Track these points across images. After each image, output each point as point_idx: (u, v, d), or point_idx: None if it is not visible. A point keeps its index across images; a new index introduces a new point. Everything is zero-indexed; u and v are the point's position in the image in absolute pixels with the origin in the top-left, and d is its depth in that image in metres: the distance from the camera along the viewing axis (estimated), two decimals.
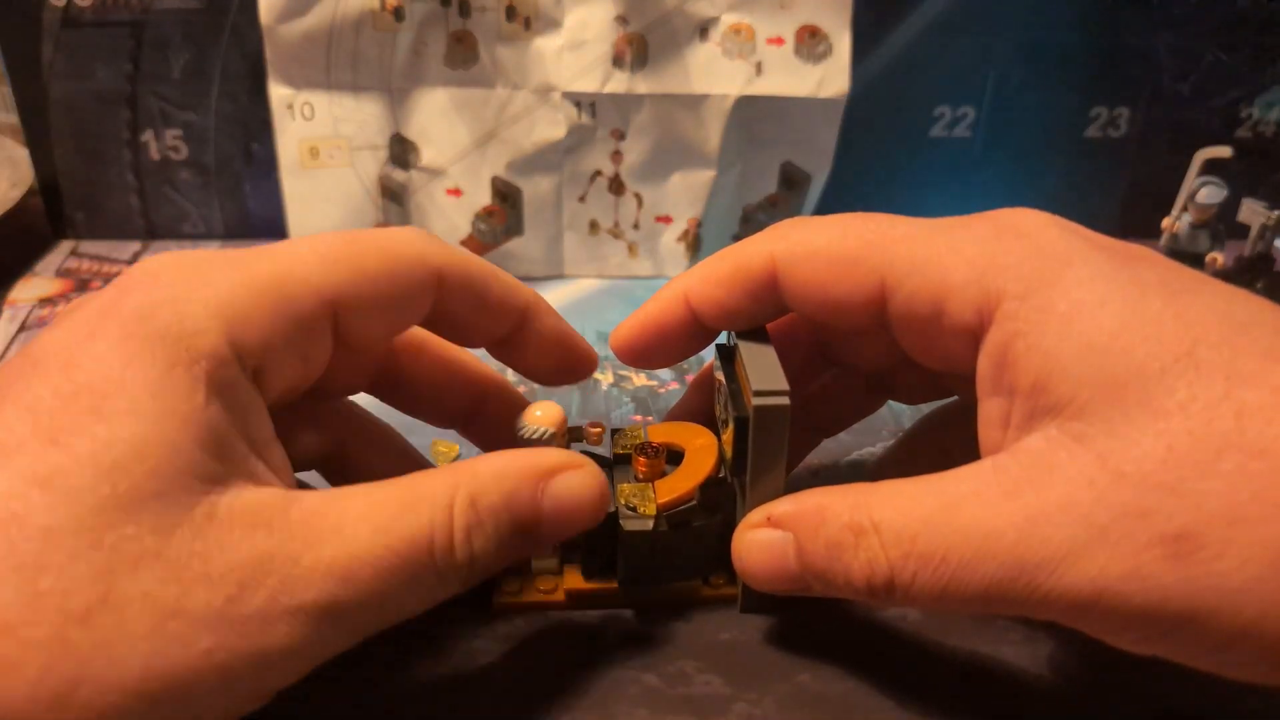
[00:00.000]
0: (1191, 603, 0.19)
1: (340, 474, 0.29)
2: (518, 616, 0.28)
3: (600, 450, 0.29)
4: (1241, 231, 0.41)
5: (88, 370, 0.20)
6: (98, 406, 0.19)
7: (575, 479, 0.24)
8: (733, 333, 0.27)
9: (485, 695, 0.25)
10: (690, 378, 0.41)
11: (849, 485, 0.24)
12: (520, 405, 0.28)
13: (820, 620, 0.27)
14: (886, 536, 0.22)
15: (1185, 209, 0.43)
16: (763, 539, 0.25)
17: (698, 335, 0.28)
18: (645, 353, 0.28)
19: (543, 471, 0.23)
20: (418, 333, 0.28)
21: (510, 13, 0.45)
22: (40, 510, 0.18)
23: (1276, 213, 0.40)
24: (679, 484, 0.27)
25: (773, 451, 0.25)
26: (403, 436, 0.30)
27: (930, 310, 0.24)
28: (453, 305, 0.26)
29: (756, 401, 0.25)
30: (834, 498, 0.24)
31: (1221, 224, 0.43)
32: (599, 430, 0.29)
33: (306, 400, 0.26)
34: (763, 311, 0.27)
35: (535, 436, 0.27)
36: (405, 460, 0.30)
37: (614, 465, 0.29)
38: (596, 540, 0.27)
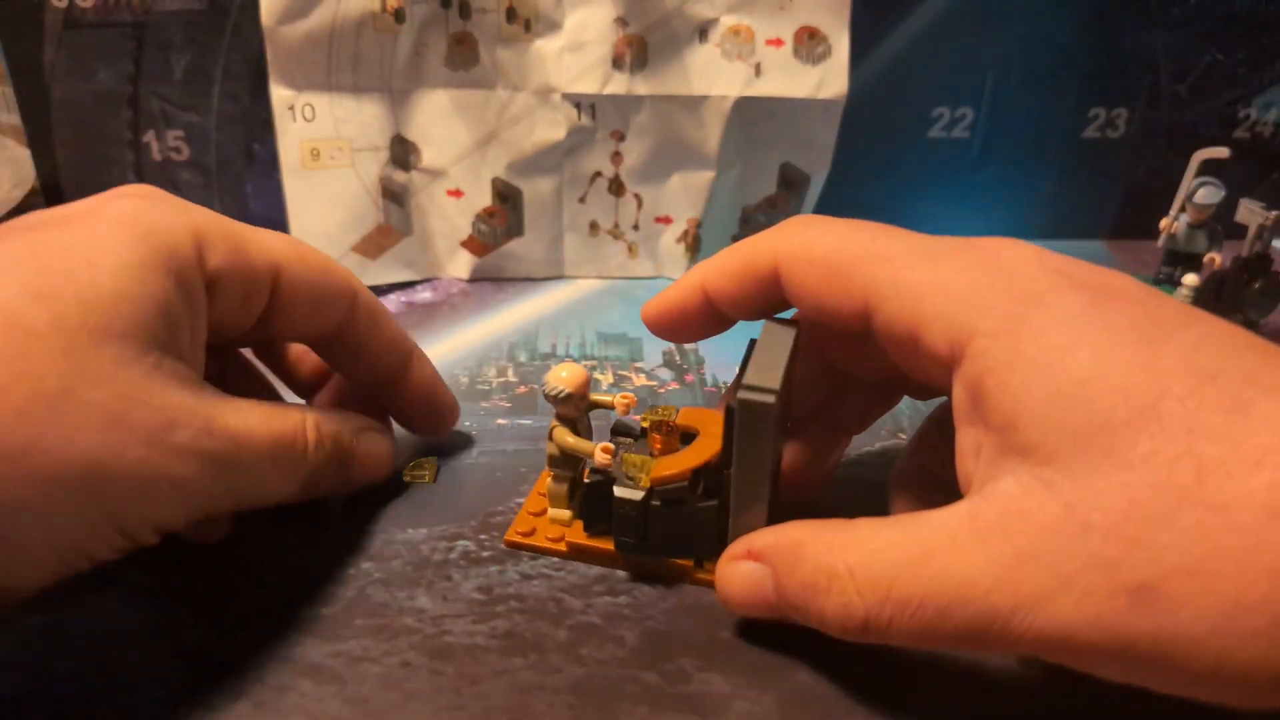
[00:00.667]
0: (1153, 649, 0.20)
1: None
2: (518, 614, 0.28)
3: (628, 421, 0.31)
4: (1239, 232, 0.42)
5: (82, 235, 0.24)
6: (90, 260, 0.24)
7: (375, 438, 0.32)
8: (764, 321, 0.28)
9: (485, 692, 0.26)
10: (690, 378, 0.42)
11: (827, 522, 0.25)
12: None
13: None
14: (862, 582, 0.23)
15: (1183, 209, 0.43)
16: (743, 571, 0.26)
17: (716, 320, 0.29)
18: (669, 331, 0.30)
19: (356, 425, 0.31)
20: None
21: (510, 14, 0.46)
22: (30, 314, 0.22)
23: (1274, 213, 0.40)
24: (677, 463, 0.28)
25: (757, 446, 0.26)
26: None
27: (906, 334, 0.24)
28: (359, 326, 0.31)
29: (741, 395, 0.25)
30: (810, 535, 0.25)
31: (1219, 224, 0.43)
32: (627, 401, 0.30)
33: None
34: (771, 304, 0.28)
35: (553, 394, 0.30)
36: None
37: (638, 437, 0.30)
38: (595, 499, 0.29)
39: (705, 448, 0.29)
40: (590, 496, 0.30)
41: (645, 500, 0.28)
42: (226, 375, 0.33)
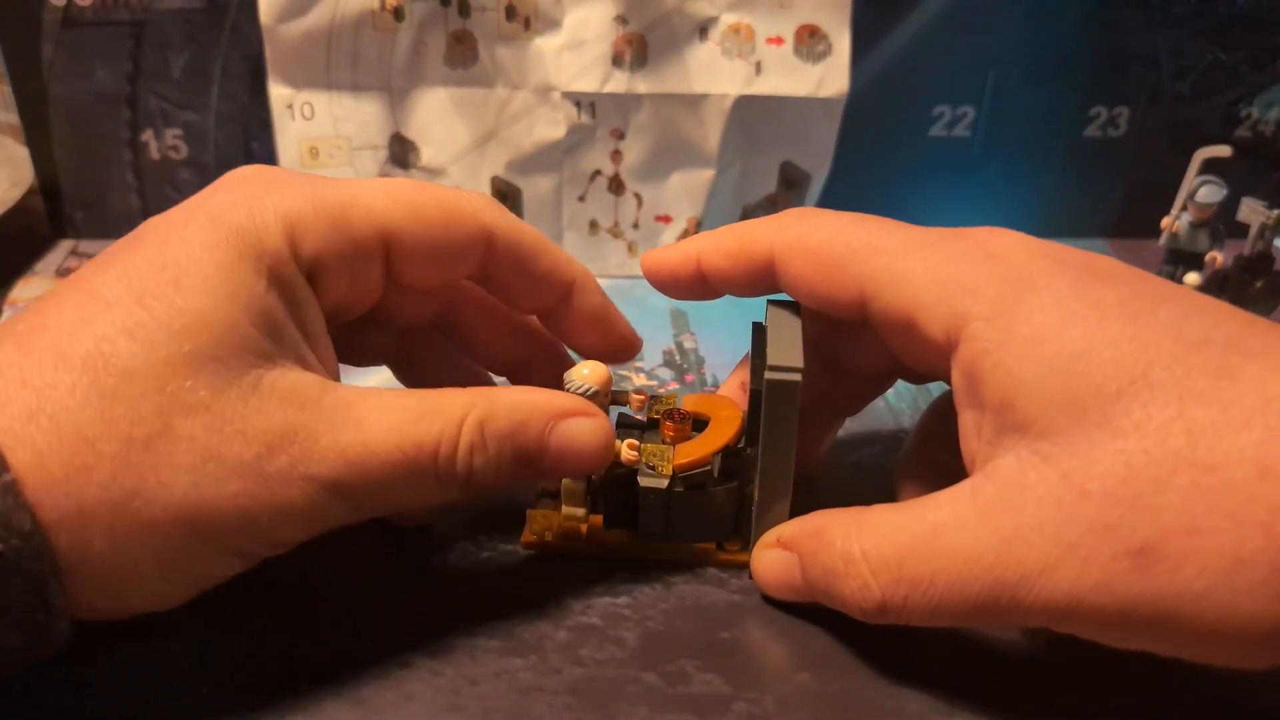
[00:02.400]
0: (1158, 610, 0.21)
1: (408, 374, 0.33)
2: (517, 614, 0.28)
3: (640, 416, 0.31)
4: (1241, 230, 0.41)
5: (175, 249, 0.23)
6: (178, 280, 0.23)
7: (584, 425, 0.27)
8: (767, 303, 0.29)
9: (484, 693, 0.25)
10: (690, 377, 0.42)
11: (846, 510, 0.26)
12: (567, 365, 0.31)
13: (820, 619, 0.27)
14: (875, 564, 0.24)
15: (1185, 208, 0.43)
16: (773, 558, 0.28)
17: (707, 290, 0.30)
18: (661, 287, 0.31)
19: (555, 412, 0.26)
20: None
21: (510, 12, 0.45)
22: (124, 354, 0.22)
23: (1276, 212, 0.40)
24: (697, 449, 0.29)
25: (784, 424, 0.27)
26: (473, 363, 0.33)
27: (903, 322, 0.25)
28: (501, 268, 0.29)
29: (769, 376, 0.26)
30: (832, 521, 0.26)
31: (1221, 223, 0.43)
32: (641, 398, 0.30)
33: (373, 319, 0.29)
34: (763, 288, 0.29)
35: (580, 392, 0.29)
36: (465, 374, 0.33)
37: (646, 428, 0.30)
38: (617, 493, 0.29)
39: (722, 431, 0.29)
40: (612, 491, 0.30)
41: (669, 487, 0.28)
42: (414, 358, 0.32)
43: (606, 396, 0.30)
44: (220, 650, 0.27)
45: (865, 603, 0.24)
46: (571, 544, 0.30)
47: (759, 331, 0.30)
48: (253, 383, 0.23)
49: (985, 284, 0.24)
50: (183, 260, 0.23)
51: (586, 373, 0.29)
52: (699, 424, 0.30)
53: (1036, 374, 0.22)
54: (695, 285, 0.30)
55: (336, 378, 0.26)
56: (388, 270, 0.27)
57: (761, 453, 0.27)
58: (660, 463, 0.28)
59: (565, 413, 0.26)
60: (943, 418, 0.30)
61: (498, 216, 0.28)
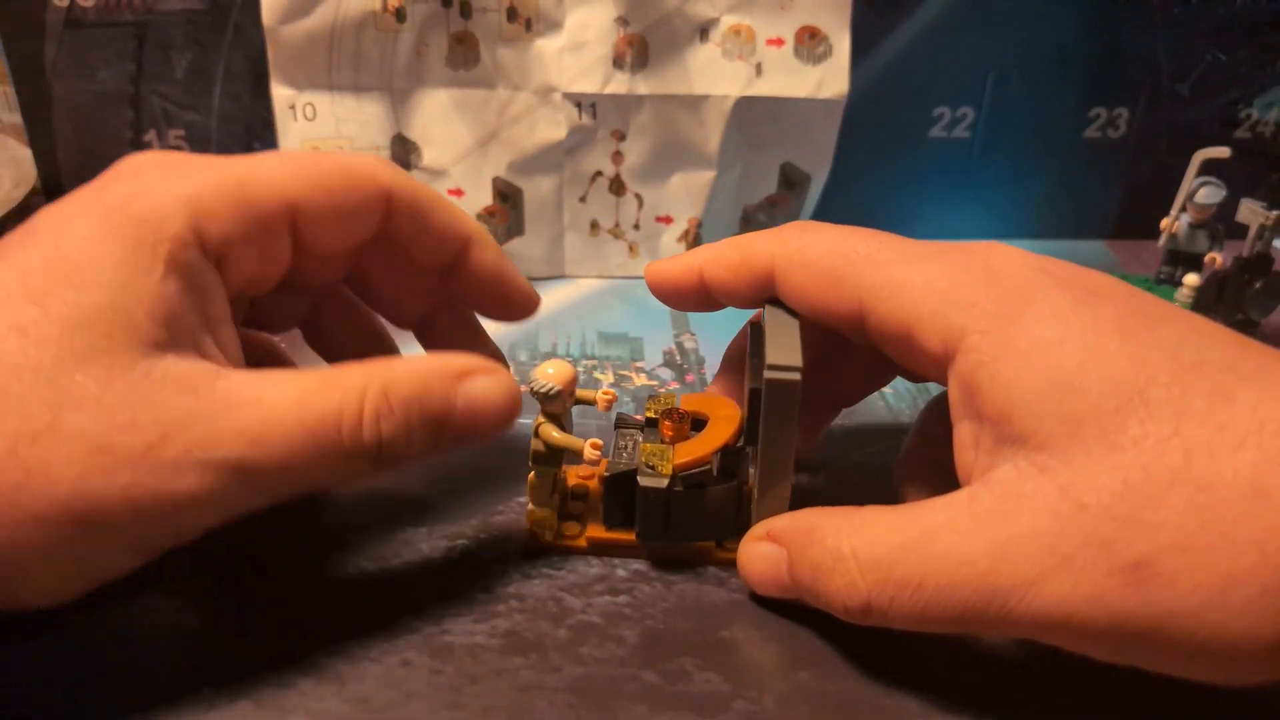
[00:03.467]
0: (1149, 625, 0.21)
1: (318, 341, 0.34)
2: (518, 613, 0.28)
3: (626, 415, 0.31)
4: (1240, 231, 0.41)
5: (70, 243, 0.23)
6: (71, 275, 0.23)
7: (487, 381, 0.26)
8: (764, 305, 0.29)
9: (485, 691, 0.26)
10: (690, 378, 0.42)
11: (840, 508, 0.26)
12: (471, 326, 0.33)
13: (820, 618, 0.27)
14: (864, 563, 0.24)
15: (1184, 209, 0.43)
16: (761, 551, 0.28)
17: (708, 301, 0.30)
18: (664, 298, 0.31)
19: (456, 372, 0.26)
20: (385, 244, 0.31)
21: (511, 14, 0.46)
22: (14, 351, 0.22)
23: (1275, 213, 0.40)
24: (697, 448, 0.29)
25: (783, 423, 0.27)
26: (380, 321, 0.35)
27: (900, 334, 0.25)
28: (400, 224, 0.29)
29: (768, 375, 0.26)
30: (824, 519, 0.26)
31: (1220, 224, 0.43)
32: (609, 397, 0.31)
33: (285, 286, 0.29)
34: (763, 299, 0.29)
35: (544, 390, 0.29)
36: (375, 338, 0.34)
37: (644, 428, 0.31)
38: (617, 493, 0.30)
39: (721, 431, 0.29)
40: (611, 490, 0.30)
41: (669, 487, 0.28)
42: (324, 320, 0.33)
43: (570, 396, 0.29)
44: (220, 649, 0.27)
45: (851, 601, 0.24)
46: (571, 544, 0.30)
47: (756, 330, 0.30)
48: (144, 372, 0.23)
49: (983, 297, 0.24)
50: (77, 255, 0.23)
51: (553, 372, 0.29)
52: (698, 423, 0.30)
53: (1034, 386, 0.23)
54: (698, 297, 0.30)
55: (240, 365, 0.26)
56: (295, 239, 0.28)
57: (761, 451, 0.27)
58: (660, 462, 0.29)
59: (468, 371, 0.26)
60: (942, 416, 0.31)
61: (394, 175, 0.29)
